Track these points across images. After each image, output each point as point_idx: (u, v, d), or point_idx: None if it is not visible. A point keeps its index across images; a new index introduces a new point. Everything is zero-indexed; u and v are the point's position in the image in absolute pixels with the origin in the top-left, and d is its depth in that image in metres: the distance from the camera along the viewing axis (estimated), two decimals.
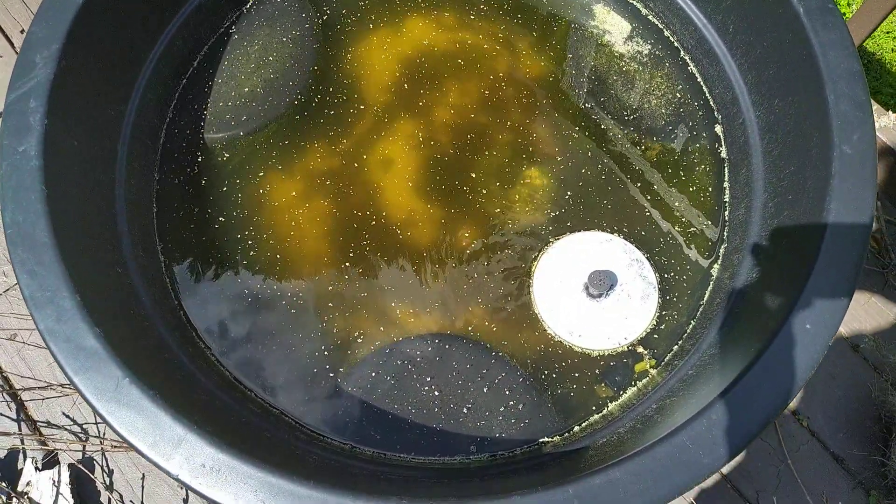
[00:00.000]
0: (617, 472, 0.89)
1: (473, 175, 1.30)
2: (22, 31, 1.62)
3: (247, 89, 1.34)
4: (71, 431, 1.33)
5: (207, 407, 1.04)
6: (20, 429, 1.33)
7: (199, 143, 1.30)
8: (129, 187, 1.19)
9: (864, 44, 1.92)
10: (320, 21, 1.41)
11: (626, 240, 1.24)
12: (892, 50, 1.95)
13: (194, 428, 0.90)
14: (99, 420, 1.34)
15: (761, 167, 1.18)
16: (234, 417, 1.06)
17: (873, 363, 1.38)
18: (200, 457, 0.89)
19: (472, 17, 1.43)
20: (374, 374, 1.15)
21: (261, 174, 1.29)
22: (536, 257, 1.23)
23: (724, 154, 1.29)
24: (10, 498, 1.26)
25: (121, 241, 1.14)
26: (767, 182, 1.16)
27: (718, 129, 1.31)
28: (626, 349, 1.18)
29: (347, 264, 1.24)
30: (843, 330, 1.44)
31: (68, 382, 1.12)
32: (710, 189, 1.27)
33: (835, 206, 0.96)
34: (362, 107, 1.35)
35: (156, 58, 1.26)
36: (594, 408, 1.15)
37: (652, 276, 1.21)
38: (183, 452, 0.89)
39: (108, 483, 1.30)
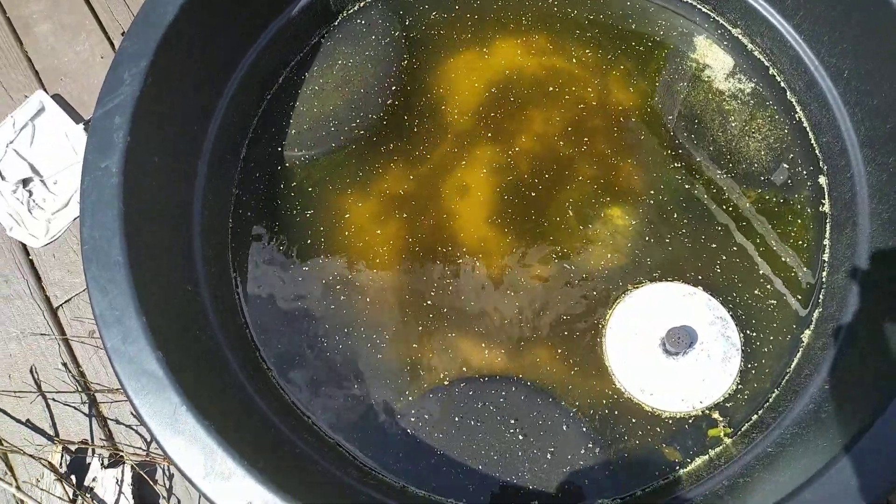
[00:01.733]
0: None
1: (552, 208, 1.25)
2: (122, 34, 1.66)
3: (329, 108, 1.33)
4: (138, 432, 1.36)
5: (261, 435, 1.04)
6: (91, 425, 1.37)
7: (280, 160, 1.30)
8: (207, 203, 1.20)
9: None
10: (406, 41, 1.38)
11: (710, 294, 1.15)
12: None
13: (245, 463, 0.89)
14: None
15: (867, 229, 1.08)
16: (287, 448, 1.05)
17: None
18: (249, 493, 0.88)
19: (565, 41, 1.37)
20: (436, 412, 1.12)
21: (337, 195, 1.28)
22: (612, 305, 1.17)
23: (826, 209, 1.18)
24: (76, 493, 1.30)
25: (194, 257, 1.15)
26: (874, 248, 1.06)
27: (822, 180, 1.20)
28: (701, 413, 1.10)
29: (416, 292, 1.21)
30: None
31: None
32: (808, 246, 1.17)
33: None
34: (443, 130, 1.32)
35: (241, 75, 1.26)
36: (659, 473, 1.08)
37: (736, 337, 1.13)
38: (232, 486, 0.88)
39: (168, 487, 1.33)
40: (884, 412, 0.85)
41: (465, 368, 1.16)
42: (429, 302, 1.20)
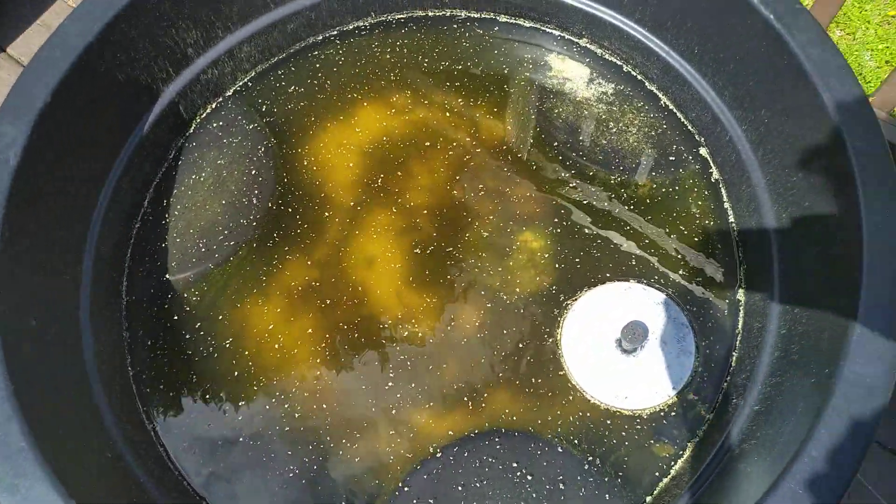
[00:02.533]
0: None
1: (465, 252, 1.22)
2: None
3: (207, 217, 1.23)
4: None
5: None
6: None
7: (165, 286, 1.18)
8: (100, 355, 1.05)
9: None
10: (269, 129, 1.32)
11: (644, 285, 1.16)
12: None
13: None
14: None
15: (762, 180, 1.14)
16: None
17: None
18: None
19: (425, 94, 1.38)
20: (411, 500, 1.03)
21: (238, 303, 1.18)
22: (559, 324, 1.15)
23: (716, 176, 1.24)
24: None
25: (103, 420, 1.00)
26: (775, 193, 1.11)
27: (704, 151, 1.26)
28: (677, 399, 1.09)
29: (352, 381, 1.12)
30: None
31: None
32: (714, 213, 1.22)
33: (867, 202, 0.91)
34: (330, 208, 1.27)
35: (103, 208, 1.15)
36: (659, 473, 1.05)
37: (682, 316, 1.14)
38: None
39: None
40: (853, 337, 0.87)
41: (430, 441, 1.08)
42: (370, 387, 1.12)
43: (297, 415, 1.10)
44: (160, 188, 1.26)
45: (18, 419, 0.83)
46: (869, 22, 1.97)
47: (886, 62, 1.89)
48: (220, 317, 1.17)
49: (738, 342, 1.12)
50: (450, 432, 1.08)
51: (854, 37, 1.96)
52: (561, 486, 1.03)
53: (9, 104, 1.04)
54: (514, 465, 1.04)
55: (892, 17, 1.97)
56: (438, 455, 1.06)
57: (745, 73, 1.13)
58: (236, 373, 1.13)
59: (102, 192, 1.15)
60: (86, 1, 1.14)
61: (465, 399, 1.11)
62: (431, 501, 1.02)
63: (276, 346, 1.15)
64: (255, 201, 1.25)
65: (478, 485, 1.03)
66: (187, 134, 1.31)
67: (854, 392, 0.83)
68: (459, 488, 1.03)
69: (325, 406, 1.11)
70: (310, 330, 1.16)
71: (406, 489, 1.03)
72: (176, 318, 1.16)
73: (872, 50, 1.93)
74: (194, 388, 1.12)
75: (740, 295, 1.16)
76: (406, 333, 1.17)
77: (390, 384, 1.12)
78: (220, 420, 1.10)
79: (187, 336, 1.15)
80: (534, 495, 1.02)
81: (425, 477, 1.05)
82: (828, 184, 0.99)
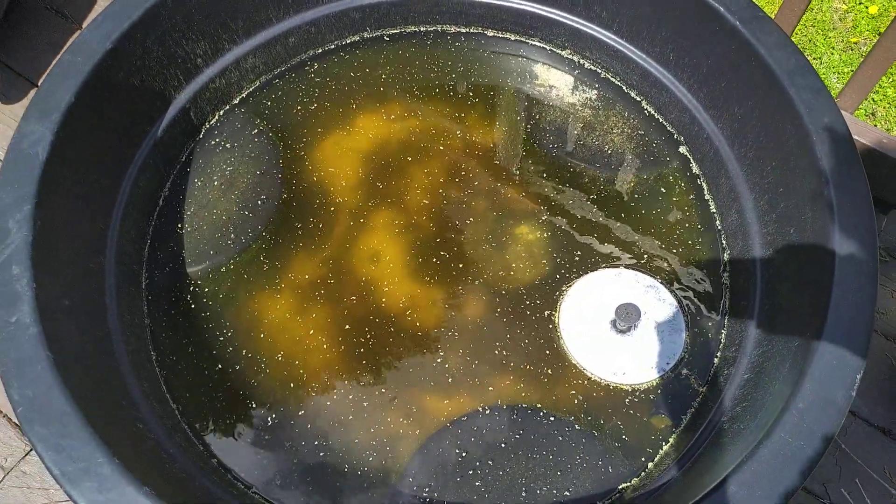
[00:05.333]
0: (730, 486, 0.87)
1: (464, 246, 1.30)
2: None
3: (218, 215, 1.29)
4: None
5: None
6: None
7: (183, 278, 1.23)
8: (127, 339, 1.10)
9: None
10: (276, 135, 1.40)
11: (634, 270, 1.25)
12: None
13: None
14: None
15: (740, 172, 1.24)
16: None
17: (884, 333, 1.44)
18: None
19: (419, 105, 1.46)
20: (422, 476, 1.08)
21: (252, 297, 1.23)
22: (556, 308, 1.22)
23: (696, 170, 1.35)
24: None
25: (132, 395, 1.04)
26: (752, 183, 1.22)
27: (683, 149, 1.37)
28: (672, 374, 1.17)
29: (359, 368, 1.18)
30: None
31: None
32: (694, 205, 1.32)
33: (835, 181, 1.02)
34: (335, 209, 1.33)
35: (123, 203, 1.20)
36: (660, 440, 1.12)
37: (670, 298, 1.22)
38: None
39: None
40: (828, 312, 0.96)
41: (440, 421, 1.14)
42: (377, 373, 1.18)
43: (307, 396, 1.15)
44: (174, 187, 1.31)
45: (60, 387, 0.88)
46: (833, 48, 2.14)
47: None
48: (234, 306, 1.22)
49: (726, 319, 1.21)
50: (456, 411, 1.14)
51: (821, 61, 2.12)
52: (565, 456, 1.09)
53: (35, 104, 1.09)
54: (519, 435, 1.11)
55: (855, 42, 2.14)
56: (445, 429, 1.12)
57: (717, 76, 1.25)
58: (249, 356, 1.18)
59: (121, 189, 1.21)
60: (105, 11, 1.21)
61: (470, 381, 1.17)
62: (440, 473, 1.07)
63: (287, 332, 1.21)
64: (262, 201, 1.32)
65: (485, 456, 1.09)
66: (198, 138, 1.37)
67: (835, 349, 0.91)
68: (466, 460, 1.09)
69: (335, 387, 1.16)
70: (319, 321, 1.22)
71: (415, 462, 1.08)
72: (192, 306, 1.21)
73: (838, 73, 2.09)
74: (210, 370, 1.16)
75: (725, 278, 1.25)
76: (411, 322, 1.23)
77: (397, 369, 1.18)
78: (235, 397, 1.15)
79: (203, 323, 1.20)
80: (539, 465, 1.08)
81: (433, 450, 1.10)
82: (798, 169, 1.10)
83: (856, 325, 0.94)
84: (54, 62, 1.14)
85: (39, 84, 1.12)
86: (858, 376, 0.91)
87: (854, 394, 0.90)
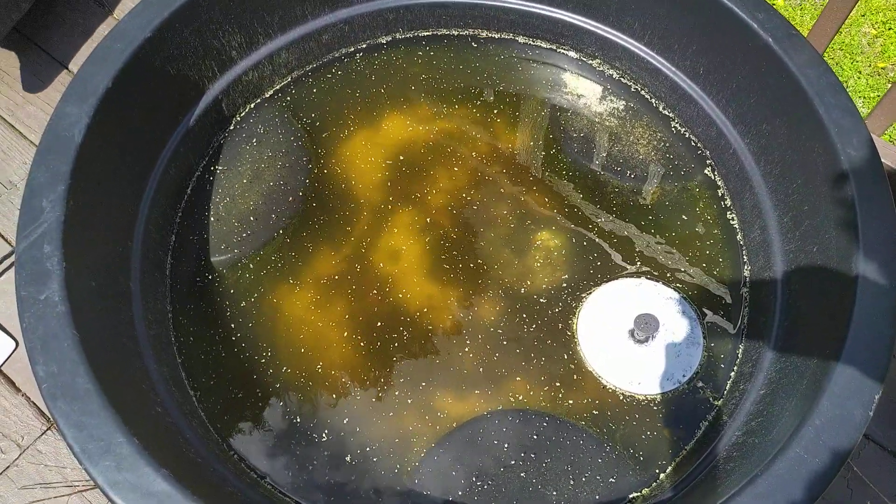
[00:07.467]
0: (744, 499, 0.87)
1: (484, 249, 1.30)
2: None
3: (244, 206, 1.31)
4: None
5: None
6: None
7: (206, 268, 1.25)
8: (149, 323, 1.12)
9: None
10: (304, 131, 1.41)
11: (654, 281, 1.25)
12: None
13: None
14: None
15: (765, 188, 1.24)
16: None
17: None
18: None
19: (446, 107, 1.48)
20: (434, 475, 1.09)
21: (273, 289, 1.25)
22: (575, 314, 1.23)
23: (720, 184, 1.35)
24: None
25: (152, 378, 1.06)
26: (776, 200, 1.22)
27: (709, 163, 1.37)
28: (687, 386, 1.17)
29: (376, 365, 1.19)
30: None
31: None
32: (717, 219, 1.32)
33: (861, 200, 1.01)
34: (359, 207, 1.35)
35: (152, 190, 1.22)
36: (672, 451, 1.12)
37: (690, 310, 1.22)
38: None
39: None
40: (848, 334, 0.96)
41: (454, 421, 1.14)
42: (393, 370, 1.19)
43: (323, 390, 1.16)
44: (203, 178, 1.33)
45: (84, 365, 0.89)
46: (860, 72, 2.13)
47: None
48: (255, 297, 1.23)
49: (744, 334, 1.21)
50: (471, 412, 1.15)
51: (847, 84, 2.11)
52: (577, 462, 1.09)
53: (73, 88, 1.12)
54: (532, 440, 1.11)
55: (882, 68, 2.13)
56: (459, 430, 1.12)
57: (747, 91, 1.25)
58: (270, 351, 1.19)
59: (151, 176, 1.23)
60: (145, 0, 1.23)
61: (486, 384, 1.18)
62: (453, 472, 1.08)
63: (305, 326, 1.22)
64: (288, 195, 1.33)
65: (497, 459, 1.09)
66: (228, 130, 1.39)
67: (854, 369, 0.91)
68: (478, 462, 1.09)
69: (350, 383, 1.17)
70: (339, 316, 1.23)
71: (427, 462, 1.09)
72: (215, 298, 1.23)
73: (864, 97, 2.08)
74: (229, 359, 1.18)
75: (745, 293, 1.25)
76: (428, 322, 1.24)
77: (413, 368, 1.19)
78: (252, 388, 1.16)
79: (225, 316, 1.21)
80: (551, 470, 1.08)
81: (445, 450, 1.11)
82: (824, 188, 1.10)
83: (876, 345, 0.94)
84: (94, 48, 1.16)
85: (78, 69, 1.14)
86: (877, 396, 0.91)
87: (871, 413, 0.90)
